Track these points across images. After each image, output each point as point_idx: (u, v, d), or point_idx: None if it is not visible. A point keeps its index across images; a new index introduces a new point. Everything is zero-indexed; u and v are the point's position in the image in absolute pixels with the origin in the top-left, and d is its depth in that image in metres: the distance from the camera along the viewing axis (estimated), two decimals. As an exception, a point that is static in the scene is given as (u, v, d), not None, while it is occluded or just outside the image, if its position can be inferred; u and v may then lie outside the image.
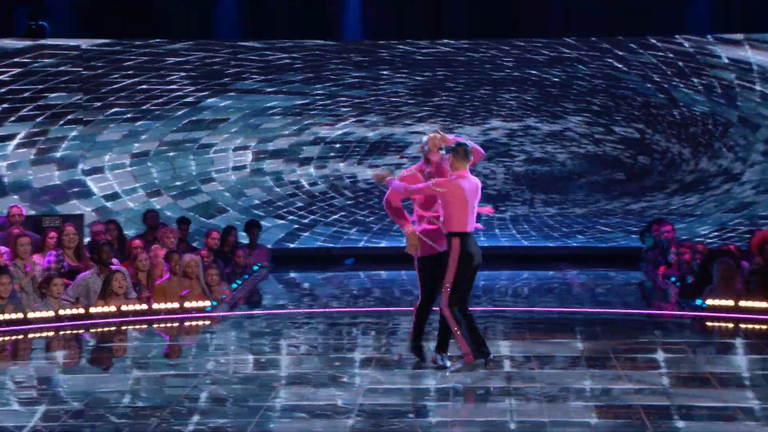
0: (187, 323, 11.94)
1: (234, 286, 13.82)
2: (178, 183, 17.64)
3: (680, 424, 7.52)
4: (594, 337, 10.69)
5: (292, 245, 17.79)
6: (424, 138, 9.33)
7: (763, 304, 11.69)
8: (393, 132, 17.61)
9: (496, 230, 17.66)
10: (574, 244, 17.61)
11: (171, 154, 17.60)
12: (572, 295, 14.11)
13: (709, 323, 11.53)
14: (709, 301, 11.98)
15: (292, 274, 16.41)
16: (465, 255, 8.94)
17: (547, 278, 15.77)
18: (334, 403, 8.12)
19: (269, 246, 16.84)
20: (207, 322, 11.98)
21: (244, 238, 16.03)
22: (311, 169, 17.90)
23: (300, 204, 17.92)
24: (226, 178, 17.74)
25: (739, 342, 10.79)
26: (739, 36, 16.65)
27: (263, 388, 8.61)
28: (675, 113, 17.11)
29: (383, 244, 17.62)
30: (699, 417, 7.72)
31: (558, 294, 14.31)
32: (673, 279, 13.70)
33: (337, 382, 8.82)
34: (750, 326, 11.35)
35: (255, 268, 15.23)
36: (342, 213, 17.87)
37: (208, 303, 12.39)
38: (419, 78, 17.48)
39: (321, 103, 17.59)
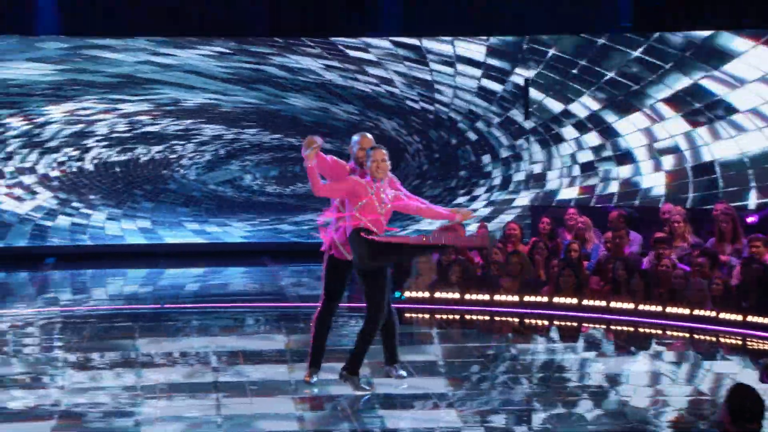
0: None
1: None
2: None
3: (382, 412, 7.81)
4: (299, 332, 10.88)
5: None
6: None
7: (456, 295, 12.29)
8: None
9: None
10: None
11: None
12: (277, 291, 14.27)
13: (406, 314, 11.99)
14: (407, 293, 12.46)
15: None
16: None
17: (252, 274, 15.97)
18: (34, 405, 7.96)
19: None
20: None
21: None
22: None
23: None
24: None
25: (434, 332, 11.33)
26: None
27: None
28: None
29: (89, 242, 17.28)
30: (398, 405, 8.02)
31: (264, 289, 14.48)
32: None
33: (38, 384, 8.63)
34: (444, 316, 11.96)
35: None
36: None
37: None
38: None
39: None
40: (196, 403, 8.08)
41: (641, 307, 11.43)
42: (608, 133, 16.31)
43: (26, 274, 15.73)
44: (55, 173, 17.13)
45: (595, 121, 16.38)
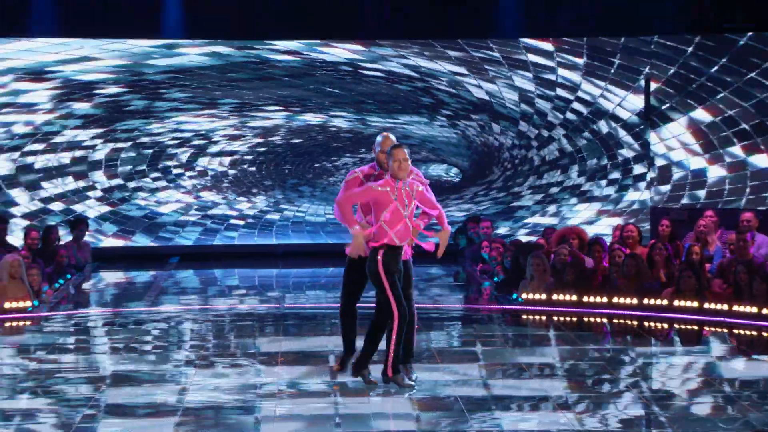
0: (7, 324, 11.73)
1: (56, 285, 13.63)
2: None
3: (498, 413, 7.85)
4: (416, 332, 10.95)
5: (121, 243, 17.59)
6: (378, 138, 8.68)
7: (574, 297, 12.24)
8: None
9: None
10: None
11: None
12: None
13: (523, 316, 12.00)
14: (524, 295, 12.46)
15: (117, 273, 16.26)
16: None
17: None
18: (159, 401, 8.17)
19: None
20: (28, 323, 11.80)
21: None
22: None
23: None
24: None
25: (551, 334, 11.30)
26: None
27: (87, 388, 8.60)
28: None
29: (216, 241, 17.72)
30: (515, 407, 8.06)
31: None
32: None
33: (162, 381, 8.87)
34: (561, 318, 11.91)
35: (89, 265, 15.21)
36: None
37: (29, 303, 12.19)
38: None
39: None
40: (314, 401, 8.20)
41: (765, 311, 11.21)
42: (740, 135, 16.05)
43: (155, 272, 16.16)
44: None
45: (725, 122, 16.14)
